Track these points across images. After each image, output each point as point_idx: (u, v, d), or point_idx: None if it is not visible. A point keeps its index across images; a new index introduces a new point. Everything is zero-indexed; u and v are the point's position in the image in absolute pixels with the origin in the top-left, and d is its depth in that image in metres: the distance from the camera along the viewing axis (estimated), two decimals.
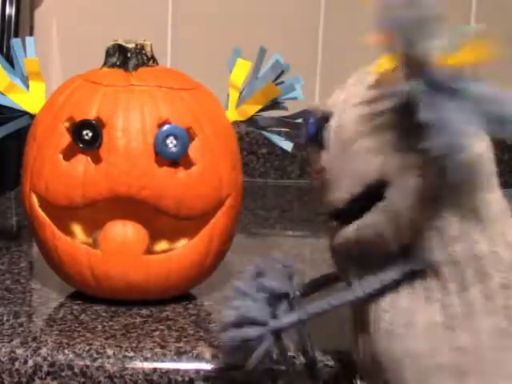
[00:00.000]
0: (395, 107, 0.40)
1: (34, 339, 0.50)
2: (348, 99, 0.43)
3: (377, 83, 0.42)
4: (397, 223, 0.41)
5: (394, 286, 0.42)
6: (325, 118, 0.43)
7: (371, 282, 0.42)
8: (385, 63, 0.41)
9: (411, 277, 0.41)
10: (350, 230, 0.43)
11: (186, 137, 0.54)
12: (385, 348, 0.41)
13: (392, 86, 0.40)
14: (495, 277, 0.40)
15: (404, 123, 0.40)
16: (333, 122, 0.43)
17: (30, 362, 0.49)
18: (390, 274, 0.42)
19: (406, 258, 0.41)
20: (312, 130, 0.44)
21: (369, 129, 0.41)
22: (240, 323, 0.44)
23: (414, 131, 0.38)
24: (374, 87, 0.42)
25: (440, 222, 0.40)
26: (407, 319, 0.41)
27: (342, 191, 0.43)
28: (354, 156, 0.42)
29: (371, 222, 0.42)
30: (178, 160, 0.55)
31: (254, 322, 0.43)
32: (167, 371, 0.49)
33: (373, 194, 0.42)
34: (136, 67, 0.58)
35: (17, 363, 0.49)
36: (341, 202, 0.43)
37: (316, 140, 0.44)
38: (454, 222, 0.40)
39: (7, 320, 0.54)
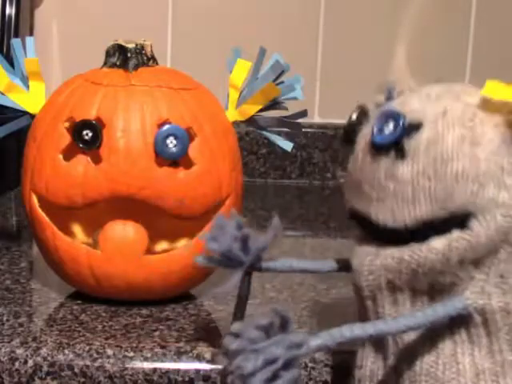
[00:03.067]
0: None
1: (34, 339, 0.50)
2: (450, 115, 0.39)
3: (489, 106, 0.39)
4: (467, 258, 0.39)
5: (439, 325, 0.39)
6: (414, 126, 0.39)
7: (417, 317, 0.39)
8: (493, 87, 0.39)
9: (460, 319, 0.39)
10: (413, 253, 0.40)
11: (186, 137, 0.54)
12: None
13: None
14: None
15: None
16: (426, 135, 0.39)
17: (30, 362, 0.49)
18: (439, 312, 0.39)
19: (457, 297, 0.39)
20: (397, 134, 0.40)
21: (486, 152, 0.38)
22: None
23: None
24: (486, 109, 0.39)
25: (504, 268, 0.39)
26: (453, 364, 0.39)
27: (421, 211, 0.39)
28: (447, 178, 0.38)
29: (443, 248, 0.39)
30: (178, 160, 0.55)
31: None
32: (167, 371, 0.49)
33: (447, 219, 0.39)
34: (136, 67, 0.58)
35: (17, 363, 0.49)
36: (414, 221, 0.39)
37: (392, 145, 0.40)
38: None
39: (7, 320, 0.54)
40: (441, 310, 0.39)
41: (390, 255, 0.40)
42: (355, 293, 0.43)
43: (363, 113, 0.43)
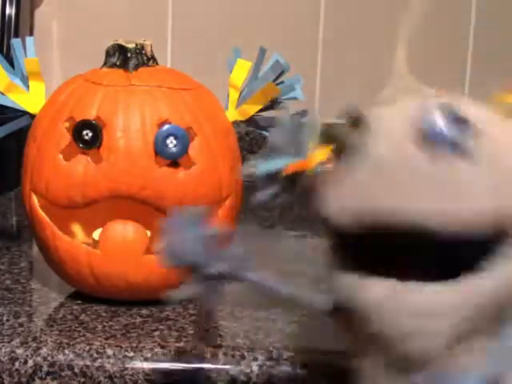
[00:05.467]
0: None
1: (34, 339, 0.50)
2: (494, 117, 0.36)
3: None
4: None
5: None
6: (471, 127, 0.35)
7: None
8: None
9: None
10: (496, 282, 0.34)
11: (186, 137, 0.54)
12: None
13: None
14: None
15: None
16: (486, 138, 0.35)
17: (30, 362, 0.49)
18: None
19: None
20: (456, 132, 0.34)
21: None
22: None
23: None
24: None
25: None
26: None
27: (484, 209, 0.33)
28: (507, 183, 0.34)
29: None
30: (178, 160, 0.55)
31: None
32: (167, 371, 0.49)
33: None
34: (136, 67, 0.58)
35: (17, 363, 0.49)
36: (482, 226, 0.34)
37: (449, 143, 0.34)
38: None
39: (7, 320, 0.54)
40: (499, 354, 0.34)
41: (462, 304, 0.34)
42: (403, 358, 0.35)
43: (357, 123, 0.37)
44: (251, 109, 0.60)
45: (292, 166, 0.40)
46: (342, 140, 0.37)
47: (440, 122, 0.34)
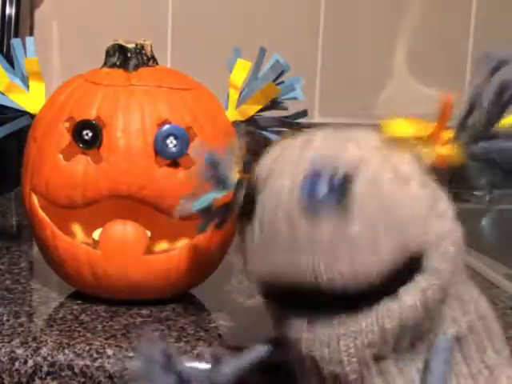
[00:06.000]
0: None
1: (34, 339, 0.50)
2: (371, 162, 0.37)
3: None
4: (439, 299, 0.38)
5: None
6: (347, 180, 0.36)
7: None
8: (388, 126, 0.39)
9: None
10: (391, 318, 0.37)
11: (186, 137, 0.54)
12: None
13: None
14: (497, 329, 0.40)
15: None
16: (361, 187, 0.36)
17: (30, 362, 0.49)
18: (441, 367, 0.38)
19: (440, 338, 0.38)
20: (335, 193, 0.36)
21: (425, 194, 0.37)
22: None
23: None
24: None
25: (460, 290, 0.39)
26: None
27: (383, 261, 0.36)
28: (398, 225, 0.37)
29: (419, 300, 0.37)
30: (178, 160, 0.55)
31: None
32: None
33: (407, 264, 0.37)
34: (136, 67, 0.58)
35: (17, 363, 0.49)
36: (377, 274, 0.36)
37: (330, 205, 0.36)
38: (464, 287, 0.39)
39: (7, 320, 0.54)
40: (440, 363, 0.38)
41: (369, 329, 0.37)
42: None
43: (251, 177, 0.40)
44: (251, 109, 0.60)
45: (220, 199, 0.44)
46: (239, 204, 0.40)
47: (321, 189, 0.36)
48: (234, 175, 0.44)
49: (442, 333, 0.38)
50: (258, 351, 0.43)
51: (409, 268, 0.37)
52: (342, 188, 0.36)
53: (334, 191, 0.36)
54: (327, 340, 0.38)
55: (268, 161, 0.40)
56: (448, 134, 0.39)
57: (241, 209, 0.41)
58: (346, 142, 0.38)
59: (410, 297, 0.37)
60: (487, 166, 0.38)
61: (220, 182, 0.45)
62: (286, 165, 0.38)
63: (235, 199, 0.42)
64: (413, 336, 0.38)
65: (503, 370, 0.39)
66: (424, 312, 0.37)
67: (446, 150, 0.39)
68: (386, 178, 0.37)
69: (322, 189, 0.36)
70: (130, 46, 0.58)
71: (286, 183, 0.37)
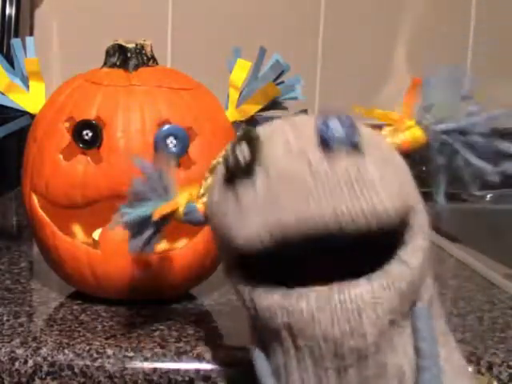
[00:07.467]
0: None
1: (34, 339, 0.50)
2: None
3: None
4: (426, 264, 0.38)
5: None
6: (353, 122, 0.37)
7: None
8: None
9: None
10: (401, 274, 0.36)
11: (186, 137, 0.54)
12: None
13: None
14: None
15: None
16: (365, 129, 0.38)
17: (30, 362, 0.49)
18: (433, 332, 0.38)
19: (420, 308, 0.38)
20: (350, 130, 0.36)
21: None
22: None
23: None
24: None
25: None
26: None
27: (394, 197, 0.36)
28: (400, 173, 0.38)
29: (422, 256, 0.37)
30: (178, 160, 0.55)
31: None
32: (167, 371, 0.48)
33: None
34: (136, 67, 0.58)
35: (17, 363, 0.49)
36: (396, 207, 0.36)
37: (344, 143, 0.36)
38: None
39: (7, 320, 0.54)
40: (426, 324, 0.37)
41: (387, 295, 0.35)
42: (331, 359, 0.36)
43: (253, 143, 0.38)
44: (251, 109, 0.60)
45: (159, 210, 0.44)
46: (236, 162, 0.38)
47: (336, 126, 0.36)
48: (173, 187, 0.45)
49: (421, 297, 0.38)
50: None
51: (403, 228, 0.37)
52: (353, 128, 0.36)
53: (347, 128, 0.36)
54: (348, 313, 0.35)
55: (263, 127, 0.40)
56: (411, 120, 0.42)
57: (234, 169, 0.38)
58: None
59: (414, 258, 0.37)
60: (448, 146, 0.40)
61: (160, 193, 0.45)
62: (285, 126, 0.38)
63: (227, 162, 0.38)
64: (412, 299, 0.37)
65: (452, 340, 0.40)
66: (421, 273, 0.37)
67: (410, 133, 0.41)
68: (382, 135, 0.40)
69: (336, 126, 0.36)
70: (130, 45, 0.58)
71: (292, 134, 0.37)
